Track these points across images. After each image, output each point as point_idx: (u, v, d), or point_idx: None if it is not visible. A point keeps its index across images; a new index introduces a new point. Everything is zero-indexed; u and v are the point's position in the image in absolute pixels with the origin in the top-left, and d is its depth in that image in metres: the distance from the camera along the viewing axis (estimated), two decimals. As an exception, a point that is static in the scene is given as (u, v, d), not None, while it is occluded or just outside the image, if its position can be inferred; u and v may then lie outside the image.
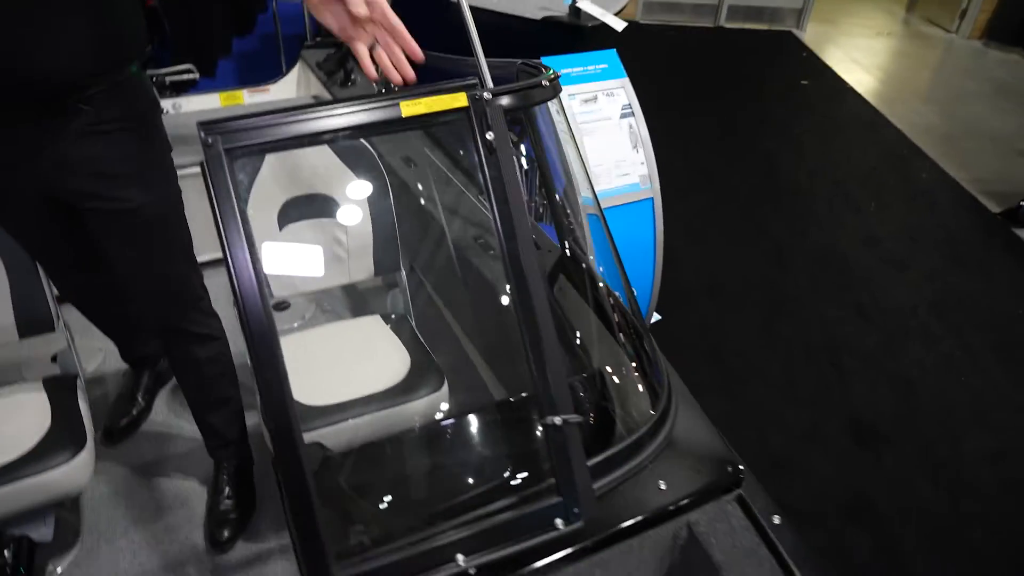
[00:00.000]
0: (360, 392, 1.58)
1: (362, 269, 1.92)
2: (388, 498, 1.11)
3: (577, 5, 2.67)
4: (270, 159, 1.77)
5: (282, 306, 2.47)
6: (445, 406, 1.62)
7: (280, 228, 1.83)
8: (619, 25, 2.70)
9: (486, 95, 0.89)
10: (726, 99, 5.75)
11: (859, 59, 6.88)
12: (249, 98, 2.70)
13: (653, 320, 3.01)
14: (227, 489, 1.85)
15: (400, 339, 1.80)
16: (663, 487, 1.11)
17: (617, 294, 1.36)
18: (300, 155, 1.81)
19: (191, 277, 1.64)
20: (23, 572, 1.05)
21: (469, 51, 2.03)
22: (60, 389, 1.69)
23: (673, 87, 5.82)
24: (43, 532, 1.68)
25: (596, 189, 2.42)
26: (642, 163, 2.56)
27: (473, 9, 1.91)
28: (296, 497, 0.83)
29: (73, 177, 1.41)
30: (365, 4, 0.84)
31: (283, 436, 0.82)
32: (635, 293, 2.85)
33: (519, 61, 1.38)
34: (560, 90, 1.16)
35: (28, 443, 1.53)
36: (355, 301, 2.59)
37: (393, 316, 1.91)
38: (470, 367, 1.99)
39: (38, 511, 1.64)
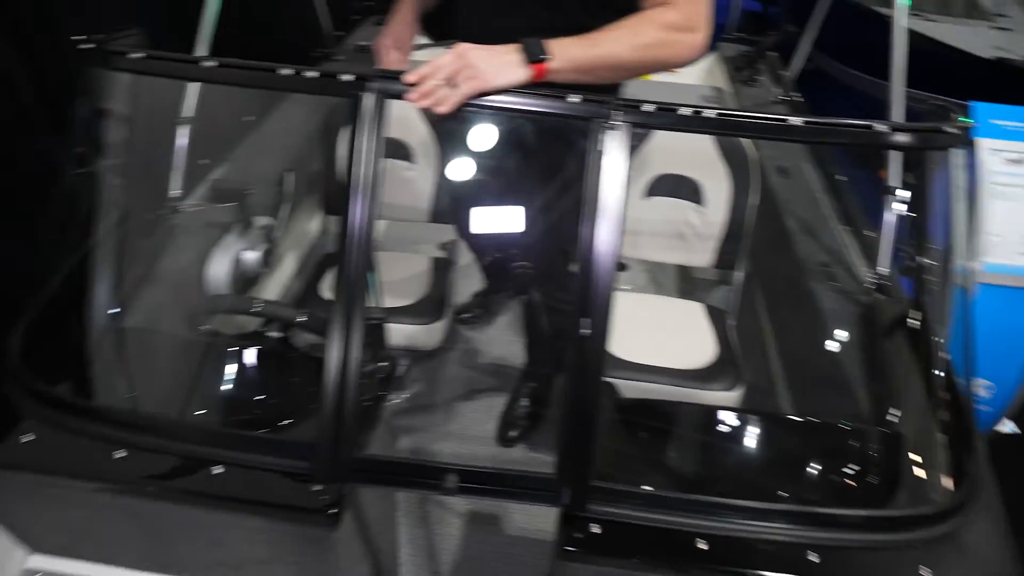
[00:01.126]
0: (659, 362, 1.72)
1: (702, 257, 2.03)
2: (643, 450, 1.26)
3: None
4: (657, 136, 1.93)
5: (622, 267, 2.69)
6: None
7: (645, 197, 2.02)
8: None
9: None
10: None
11: None
12: (657, 77, 2.88)
13: (1007, 429, 2.57)
14: (526, 400, 2.16)
15: (715, 332, 1.89)
16: (927, 574, 1.05)
17: (953, 372, 1.26)
18: (680, 138, 1.94)
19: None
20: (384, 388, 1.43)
21: (883, 73, 1.92)
22: (442, 266, 2.16)
23: None
24: (400, 368, 2.19)
25: (986, 259, 2.13)
26: (1061, 247, 2.16)
27: (913, 34, 1.81)
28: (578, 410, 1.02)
29: None
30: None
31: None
32: (993, 388, 2.46)
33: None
34: (966, 141, 1.09)
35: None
36: (686, 284, 2.71)
37: (717, 310, 2.00)
38: (770, 380, 1.99)
39: (401, 353, 2.14)
